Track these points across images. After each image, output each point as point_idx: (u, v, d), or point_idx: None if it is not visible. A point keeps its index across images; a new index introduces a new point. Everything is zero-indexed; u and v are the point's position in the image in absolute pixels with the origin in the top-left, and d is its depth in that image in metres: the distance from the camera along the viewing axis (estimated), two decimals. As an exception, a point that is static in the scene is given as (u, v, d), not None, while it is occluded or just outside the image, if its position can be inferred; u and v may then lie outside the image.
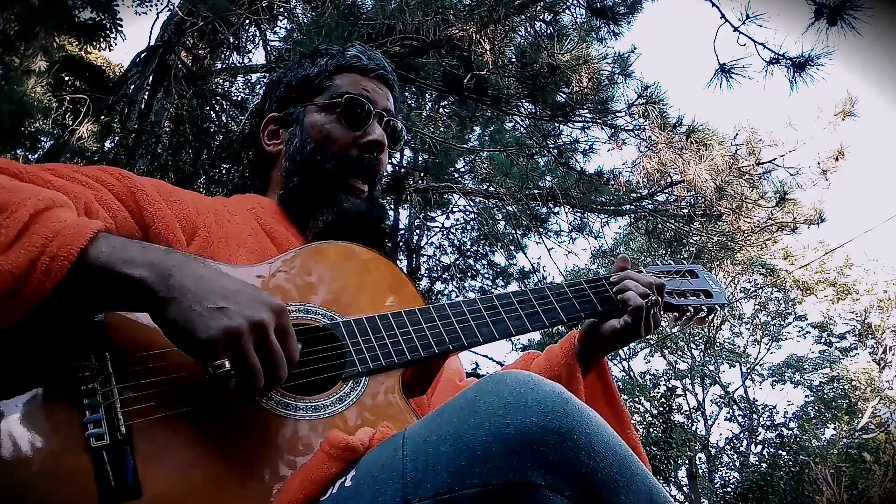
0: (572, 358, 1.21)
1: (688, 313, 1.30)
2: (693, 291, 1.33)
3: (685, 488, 15.26)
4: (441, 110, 8.29)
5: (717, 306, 1.32)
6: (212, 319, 0.74)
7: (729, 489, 14.47)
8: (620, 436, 0.69)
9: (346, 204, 1.20)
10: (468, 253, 12.54)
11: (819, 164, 6.02)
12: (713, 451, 16.33)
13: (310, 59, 1.32)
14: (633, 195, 6.47)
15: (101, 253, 0.75)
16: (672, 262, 1.40)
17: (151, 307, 0.76)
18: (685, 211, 6.35)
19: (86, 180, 0.94)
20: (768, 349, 18.12)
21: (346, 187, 1.22)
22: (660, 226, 6.44)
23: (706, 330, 16.13)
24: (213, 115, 5.75)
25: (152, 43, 5.36)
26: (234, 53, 6.37)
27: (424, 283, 11.57)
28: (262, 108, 1.35)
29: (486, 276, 12.64)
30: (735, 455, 16.35)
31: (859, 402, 15.69)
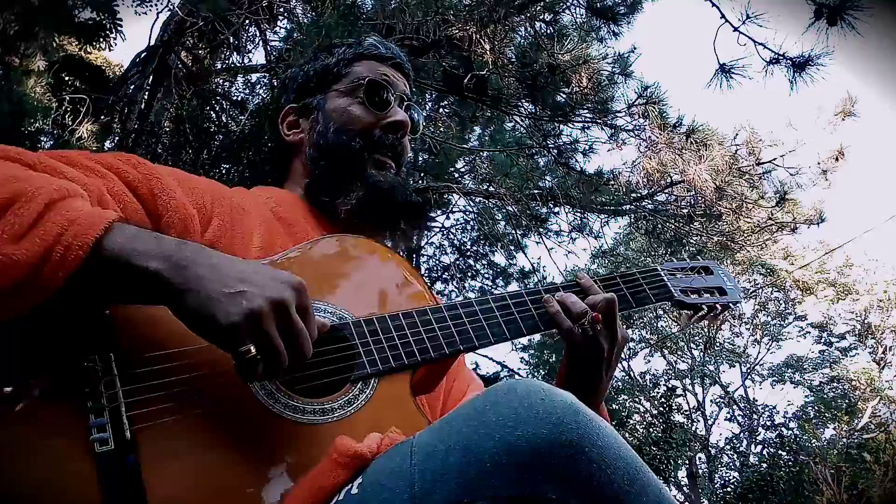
0: None
1: (701, 311, 1.28)
2: (707, 289, 1.31)
3: (685, 488, 15.25)
4: (441, 110, 8.28)
5: (731, 304, 1.30)
6: (232, 304, 0.73)
7: (729, 489, 14.46)
8: None
9: (376, 178, 1.20)
10: (468, 253, 12.54)
11: (819, 164, 6.02)
12: (713, 451, 16.32)
13: (326, 51, 1.34)
14: (633, 195, 6.46)
15: (115, 244, 0.74)
16: (688, 259, 1.39)
17: (168, 299, 0.75)
18: (685, 211, 6.35)
19: (99, 169, 0.92)
20: (768, 349, 18.12)
21: (373, 162, 1.22)
22: (660, 226, 6.44)
23: (706, 330, 16.13)
24: (213, 115, 5.75)
25: (152, 43, 5.36)
26: (234, 53, 6.37)
27: (424, 283, 11.55)
28: (277, 102, 1.36)
29: (486, 276, 12.64)
30: (735, 455, 16.34)
31: (859, 402, 15.68)
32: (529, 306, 1.10)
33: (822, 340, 18.16)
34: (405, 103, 1.29)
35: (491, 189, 7.19)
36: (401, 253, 1.14)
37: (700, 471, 15.67)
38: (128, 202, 0.92)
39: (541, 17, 5.47)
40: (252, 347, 0.72)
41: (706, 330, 16.19)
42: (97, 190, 0.88)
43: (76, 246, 0.71)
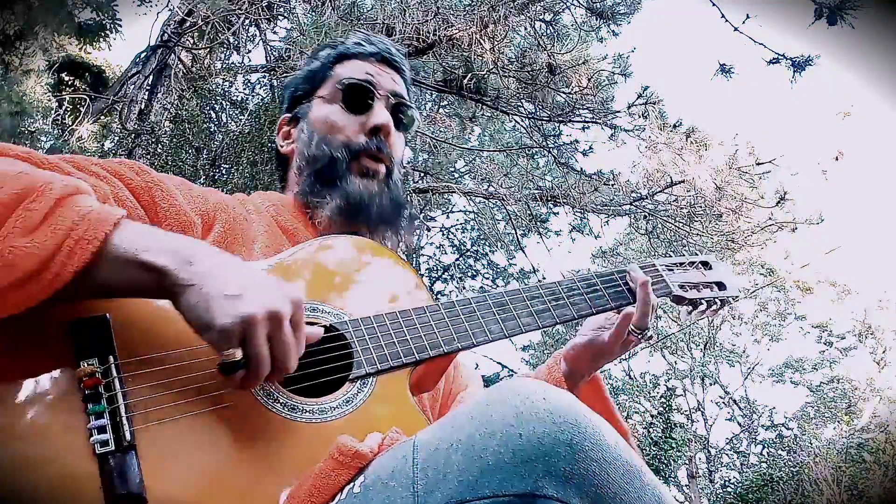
0: (557, 374, 1.20)
1: (701, 306, 1.26)
2: (706, 283, 1.28)
3: (685, 488, 15.25)
4: (441, 110, 8.30)
5: (730, 298, 1.28)
6: (230, 306, 0.73)
7: (729, 489, 14.45)
8: None
9: (353, 186, 1.16)
10: (468, 253, 12.56)
11: (819, 164, 6.03)
12: (713, 451, 16.33)
13: (313, 55, 1.31)
14: (633, 195, 6.47)
15: (124, 239, 0.75)
16: (686, 254, 1.38)
17: (172, 293, 0.75)
18: (685, 211, 6.35)
19: (104, 174, 0.93)
20: (768, 349, 18.12)
21: (358, 169, 1.17)
22: (660, 226, 6.44)
23: (706, 330, 16.13)
24: (213, 115, 5.75)
25: (152, 43, 5.37)
26: (234, 53, 6.38)
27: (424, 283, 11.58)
28: (277, 112, 1.36)
29: (486, 276, 12.66)
30: (735, 455, 16.34)
31: (859, 402, 15.68)
32: (527, 303, 1.09)
33: (822, 340, 18.16)
34: (391, 101, 1.22)
35: (491, 189, 7.20)
36: (400, 253, 1.13)
37: (700, 471, 15.67)
38: (132, 208, 0.94)
39: (541, 17, 5.47)
40: (238, 352, 0.73)
41: (706, 330, 16.19)
42: (102, 193, 0.89)
43: (86, 240, 0.72)
